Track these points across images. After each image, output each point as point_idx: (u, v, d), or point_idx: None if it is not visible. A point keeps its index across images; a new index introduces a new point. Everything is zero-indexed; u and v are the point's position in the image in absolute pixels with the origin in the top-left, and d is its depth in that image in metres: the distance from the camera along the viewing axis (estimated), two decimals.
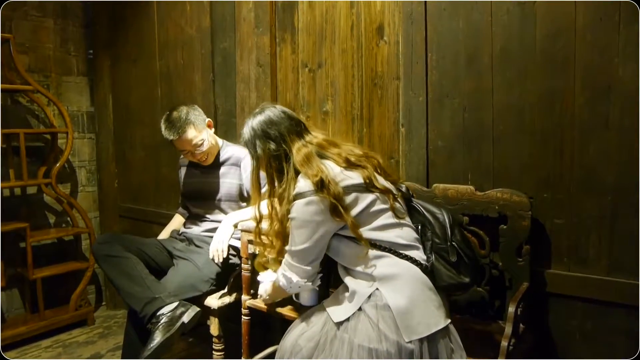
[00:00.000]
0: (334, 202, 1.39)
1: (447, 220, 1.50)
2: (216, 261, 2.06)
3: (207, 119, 2.24)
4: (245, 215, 2.07)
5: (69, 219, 3.17)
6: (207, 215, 2.30)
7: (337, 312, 1.45)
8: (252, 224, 1.95)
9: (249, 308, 2.00)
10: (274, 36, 2.37)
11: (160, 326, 1.86)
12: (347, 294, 1.47)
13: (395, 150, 2.01)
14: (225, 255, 2.04)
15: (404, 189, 1.59)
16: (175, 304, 1.92)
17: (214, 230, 2.23)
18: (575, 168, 1.59)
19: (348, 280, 1.49)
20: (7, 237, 2.85)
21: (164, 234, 2.46)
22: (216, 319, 2.06)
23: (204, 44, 2.67)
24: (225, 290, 2.10)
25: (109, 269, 2.02)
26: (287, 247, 1.51)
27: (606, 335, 1.57)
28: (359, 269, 1.44)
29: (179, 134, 2.12)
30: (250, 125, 1.57)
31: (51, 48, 3.14)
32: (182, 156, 2.39)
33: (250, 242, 1.98)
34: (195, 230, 2.30)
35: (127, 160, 3.27)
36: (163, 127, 2.16)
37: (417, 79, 1.88)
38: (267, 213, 1.61)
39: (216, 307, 2.04)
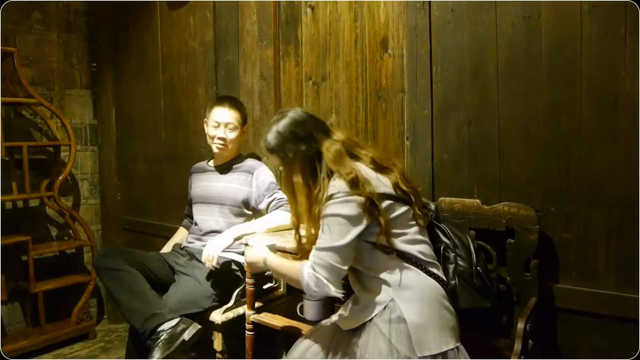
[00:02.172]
0: (369, 201, 1.36)
1: (471, 245, 1.50)
2: (207, 266, 2.02)
3: (247, 125, 2.33)
4: (250, 229, 2.06)
5: (71, 231, 3.16)
6: (210, 225, 2.26)
7: (346, 321, 1.43)
8: (258, 238, 1.95)
9: (253, 323, 1.98)
10: (277, 49, 2.38)
11: (160, 343, 1.82)
12: (359, 305, 1.44)
13: (400, 164, 2.00)
14: (215, 263, 2.01)
15: (433, 208, 1.57)
16: (176, 320, 1.88)
17: None
18: (582, 181, 1.58)
19: (361, 290, 1.45)
20: (9, 250, 2.83)
21: (167, 248, 2.45)
22: (220, 334, 2.03)
23: (207, 57, 2.68)
24: (230, 304, 2.07)
25: (110, 282, 2.00)
26: (318, 246, 1.40)
27: (615, 351, 1.54)
28: (379, 277, 1.40)
29: (229, 107, 2.22)
30: (276, 130, 1.51)
31: (55, 61, 3.15)
32: (193, 167, 2.46)
33: None
34: (197, 245, 2.28)
35: (129, 173, 3.27)
36: (217, 98, 2.35)
37: (421, 92, 1.88)
38: (305, 218, 1.55)
39: (220, 322, 2.01)
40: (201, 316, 2.00)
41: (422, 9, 1.86)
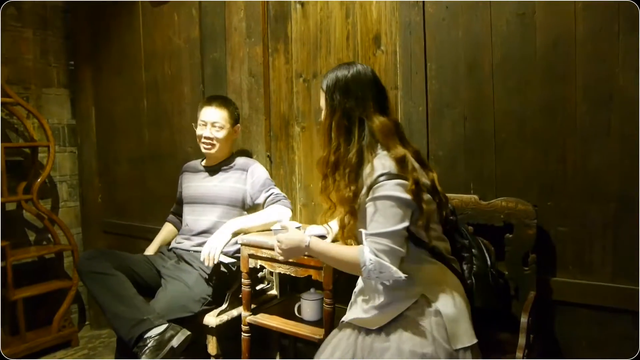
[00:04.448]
0: (416, 186, 1.34)
1: (485, 248, 1.52)
2: (206, 264, 1.97)
3: (239, 125, 2.29)
4: (248, 223, 2.01)
5: (50, 236, 3.05)
6: (202, 224, 2.21)
7: (373, 319, 1.40)
8: (253, 238, 1.92)
9: (249, 324, 1.95)
10: (266, 46, 2.34)
11: (147, 350, 1.76)
12: (382, 300, 1.41)
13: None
14: (216, 261, 1.97)
15: (451, 208, 1.57)
16: (164, 326, 1.81)
17: (201, 244, 2.16)
18: (578, 176, 1.61)
19: (383, 285, 1.42)
20: None
21: (153, 245, 2.38)
22: (214, 338, 1.99)
23: (193, 54, 2.62)
24: (224, 307, 2.03)
25: (95, 286, 1.92)
26: (374, 231, 1.35)
27: (613, 342, 1.57)
28: (408, 270, 1.36)
29: (217, 106, 2.20)
30: (336, 74, 1.48)
31: (31, 59, 3.03)
32: (184, 166, 2.42)
33: (250, 256, 1.93)
34: (186, 244, 2.22)
35: (111, 174, 3.17)
36: (206, 98, 2.32)
37: (416, 89, 1.88)
38: (326, 182, 1.50)
39: (214, 325, 1.97)
40: (190, 321, 1.94)
41: (415, 6, 1.86)
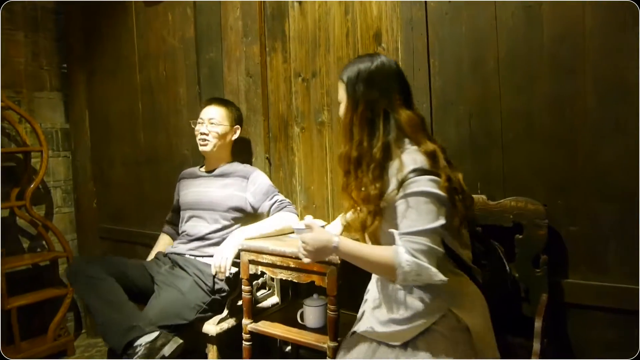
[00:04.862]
0: (449, 182, 1.28)
1: (501, 254, 1.47)
2: (219, 277, 1.91)
3: (238, 126, 2.24)
4: (255, 232, 1.95)
5: (44, 242, 2.98)
6: (199, 230, 2.14)
7: (395, 335, 1.32)
8: (254, 243, 1.85)
9: (250, 333, 1.88)
10: (263, 45, 2.28)
11: (137, 358, 1.69)
12: (402, 313, 1.33)
13: None
14: (227, 274, 1.90)
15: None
16: (156, 334, 1.74)
17: (199, 248, 2.11)
18: (589, 173, 1.55)
19: (409, 294, 1.33)
20: None
21: (150, 258, 2.32)
22: (214, 347, 1.92)
23: (188, 54, 2.56)
24: (224, 314, 1.97)
25: (85, 291, 1.86)
26: (409, 229, 1.26)
27: (628, 345, 1.51)
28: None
29: (215, 104, 2.20)
30: (358, 65, 1.40)
31: (22, 62, 2.97)
32: (181, 173, 2.36)
33: (251, 262, 1.87)
34: (181, 248, 2.16)
35: (106, 178, 3.11)
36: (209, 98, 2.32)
37: (419, 86, 1.81)
38: (347, 176, 1.41)
39: (215, 334, 1.90)
40: (183, 329, 1.87)
41: (417, 2, 1.80)
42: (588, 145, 1.54)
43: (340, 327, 1.67)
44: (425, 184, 1.26)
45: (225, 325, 1.95)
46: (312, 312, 1.83)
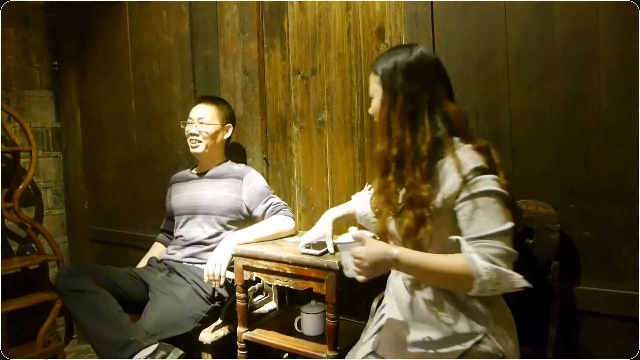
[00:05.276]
0: (509, 184, 1.21)
1: None
2: (214, 285, 1.83)
3: (230, 124, 2.16)
4: (248, 237, 1.87)
5: (34, 245, 2.89)
6: (195, 235, 2.06)
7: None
8: (248, 248, 1.78)
9: (245, 341, 1.81)
10: (261, 42, 2.21)
11: None
12: (437, 335, 1.22)
13: None
14: (222, 281, 1.81)
15: None
16: (154, 346, 1.65)
17: (196, 255, 2.03)
18: (602, 176, 1.48)
19: (437, 314, 1.23)
20: None
21: (142, 264, 2.21)
22: (209, 355, 1.84)
23: (183, 51, 2.48)
24: (219, 322, 1.88)
25: (75, 306, 1.75)
26: (482, 233, 1.15)
27: None
28: (475, 299, 1.19)
29: (205, 103, 2.12)
30: (394, 57, 1.29)
31: (12, 60, 2.87)
32: (173, 177, 2.28)
33: (245, 267, 1.79)
34: (178, 255, 2.07)
35: (98, 179, 3.02)
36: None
37: None
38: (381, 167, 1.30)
39: (210, 342, 1.82)
40: (183, 339, 1.78)
41: None
42: (602, 146, 1.48)
43: (340, 335, 1.60)
44: (491, 182, 1.18)
45: (221, 332, 1.87)
46: (309, 319, 1.76)
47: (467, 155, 1.21)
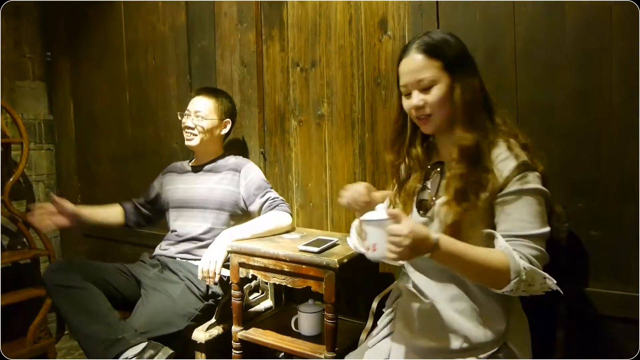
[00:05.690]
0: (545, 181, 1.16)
1: None
2: (208, 282, 1.77)
3: (228, 120, 2.08)
4: (245, 233, 1.81)
5: (25, 240, 2.83)
6: (190, 230, 2.01)
7: None
8: (244, 245, 1.72)
9: (240, 341, 1.75)
10: (259, 33, 2.14)
11: None
12: (457, 343, 1.16)
13: None
14: (217, 280, 1.76)
15: None
16: (143, 345, 1.61)
17: (189, 251, 1.97)
18: (613, 174, 1.43)
19: (459, 320, 1.17)
20: None
21: (89, 210, 2.12)
22: (203, 355, 1.79)
23: (179, 43, 2.41)
24: (213, 321, 1.83)
25: (63, 302, 1.70)
26: (528, 231, 1.11)
27: None
28: (498, 302, 1.15)
29: (203, 95, 2.05)
30: (445, 39, 1.20)
31: (3, 50, 2.80)
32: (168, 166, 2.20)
33: (241, 264, 1.73)
34: (172, 251, 2.01)
35: (91, 173, 2.96)
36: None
37: None
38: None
39: (204, 341, 1.77)
40: (175, 338, 1.73)
41: None
42: (613, 143, 1.42)
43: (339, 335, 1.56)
44: (536, 180, 1.14)
45: (215, 331, 1.82)
46: (307, 318, 1.71)
47: (514, 150, 1.17)
